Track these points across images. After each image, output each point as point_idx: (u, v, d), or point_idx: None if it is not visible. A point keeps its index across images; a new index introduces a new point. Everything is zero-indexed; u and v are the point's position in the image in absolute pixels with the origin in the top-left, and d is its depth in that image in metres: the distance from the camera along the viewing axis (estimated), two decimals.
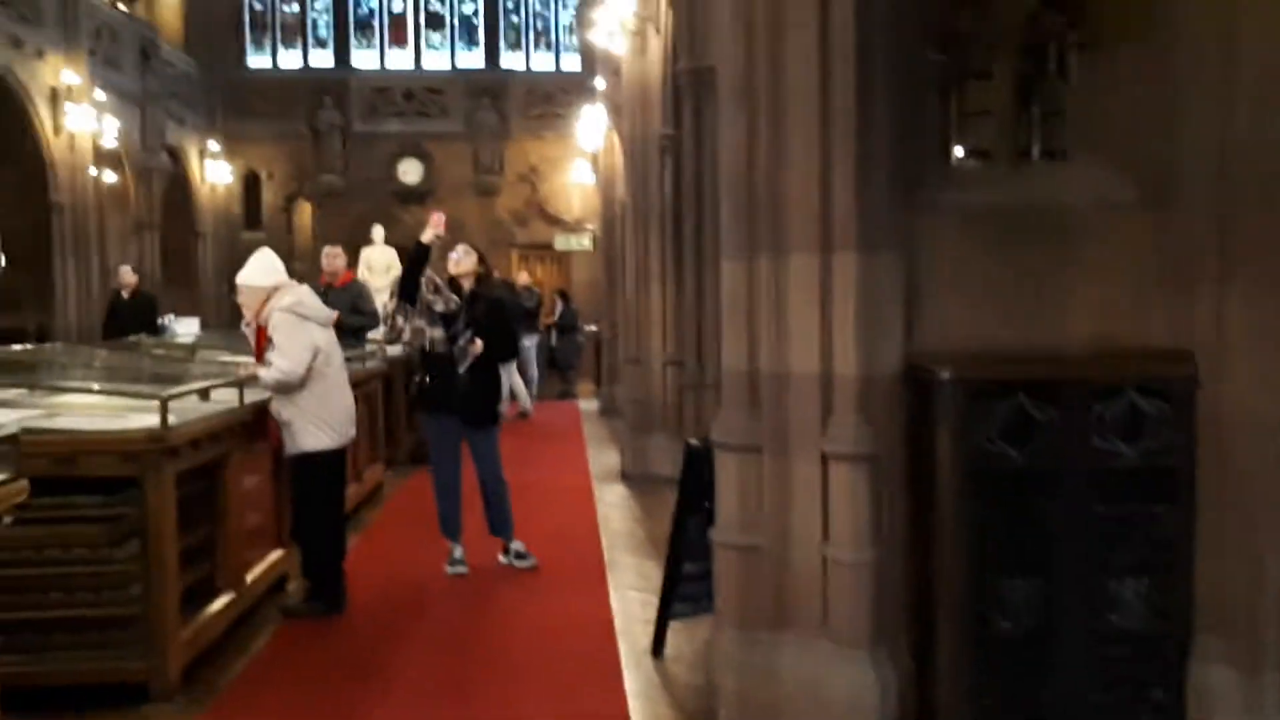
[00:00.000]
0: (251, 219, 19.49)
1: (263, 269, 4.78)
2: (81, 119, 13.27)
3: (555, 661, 4.27)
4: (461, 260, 5.60)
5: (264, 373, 4.68)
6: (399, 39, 20.31)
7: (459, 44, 20.47)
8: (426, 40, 20.38)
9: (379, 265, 13.49)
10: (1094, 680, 3.17)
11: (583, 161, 17.78)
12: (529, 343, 14.27)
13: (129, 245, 15.52)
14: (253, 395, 4.78)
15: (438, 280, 5.56)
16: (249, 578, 4.75)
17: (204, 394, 4.53)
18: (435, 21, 20.41)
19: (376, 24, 20.30)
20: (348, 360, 5.99)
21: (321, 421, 4.80)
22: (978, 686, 3.16)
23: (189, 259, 18.08)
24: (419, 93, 19.88)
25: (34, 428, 3.76)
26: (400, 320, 6.48)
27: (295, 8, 20.06)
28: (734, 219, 3.48)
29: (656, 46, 8.19)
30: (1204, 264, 3.30)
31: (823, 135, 3.25)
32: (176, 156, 17.39)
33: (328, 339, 4.88)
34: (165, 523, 3.81)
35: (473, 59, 20.41)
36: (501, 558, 5.70)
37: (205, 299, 17.86)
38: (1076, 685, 3.17)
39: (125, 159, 15.25)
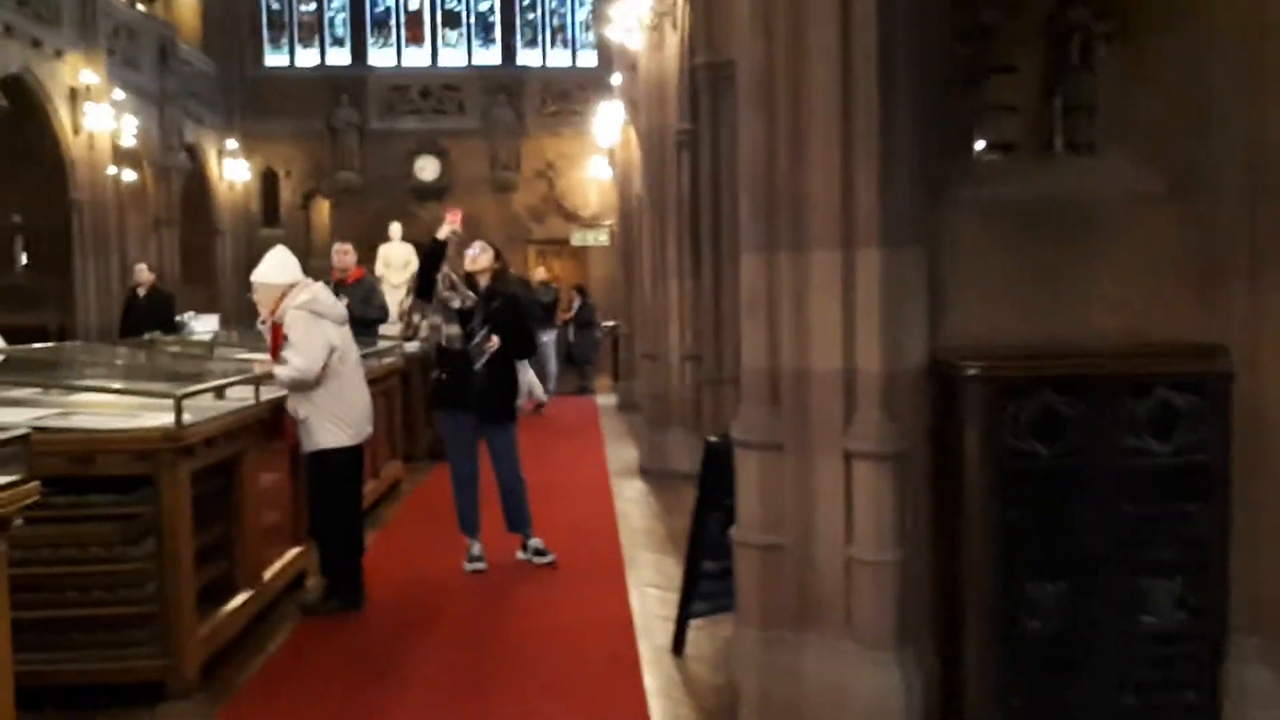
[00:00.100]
0: (270, 216, 19.56)
1: (277, 267, 4.75)
2: (100, 118, 13.33)
3: (574, 659, 4.24)
4: (478, 257, 5.57)
5: (279, 370, 4.66)
6: (415, 37, 20.32)
7: (475, 41, 20.46)
8: (443, 38, 20.38)
9: (397, 262, 13.49)
10: (1125, 681, 3.10)
11: (599, 157, 17.74)
12: (547, 338, 14.26)
13: (148, 243, 15.59)
14: (269, 393, 4.76)
15: (454, 277, 5.53)
16: (267, 575, 4.73)
17: (219, 392, 4.51)
18: (451, 19, 20.41)
19: (393, 22, 20.31)
20: (364, 357, 5.98)
21: (338, 419, 4.77)
22: (1006, 688, 3.09)
23: (208, 257, 18.16)
24: (435, 90, 19.89)
25: (49, 426, 3.75)
26: (417, 317, 6.47)
27: (312, 6, 20.11)
28: (753, 215, 3.42)
29: (673, 42, 8.13)
30: (1235, 258, 3.22)
31: (844, 130, 3.18)
32: (195, 155, 17.47)
33: (343, 336, 4.86)
34: (180, 521, 3.80)
35: (489, 56, 20.40)
36: (520, 554, 5.67)
37: (224, 296, 17.93)
38: (1107, 687, 3.10)
39: (144, 158, 15.32)
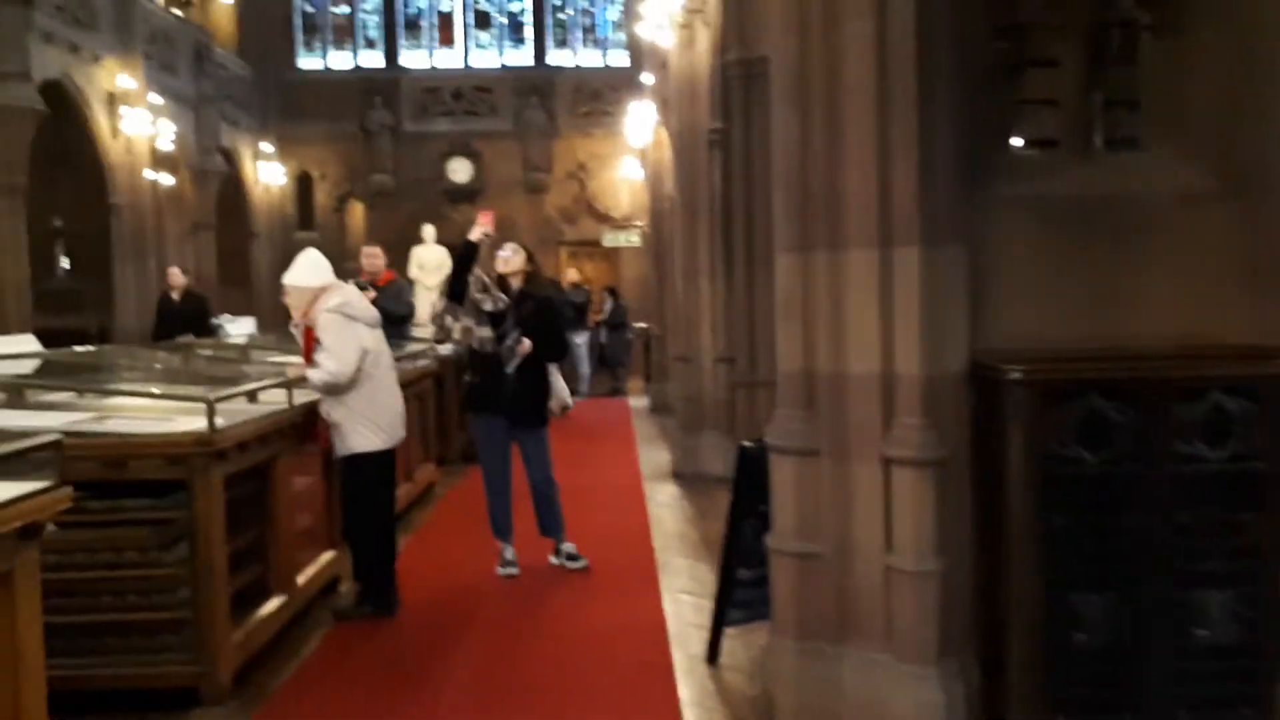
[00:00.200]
0: (305, 219, 19.72)
1: (309, 269, 4.74)
2: (138, 122, 13.50)
3: (607, 668, 4.18)
4: (510, 259, 5.53)
5: (312, 374, 4.65)
6: (447, 38, 20.39)
7: (507, 42, 20.50)
8: (475, 39, 20.44)
9: (430, 264, 13.55)
10: (1177, 698, 3.00)
11: (631, 158, 17.70)
12: (579, 340, 14.25)
13: (185, 246, 15.77)
14: (302, 396, 4.75)
15: (486, 279, 5.50)
16: (300, 580, 4.73)
17: (252, 396, 4.51)
18: (483, 20, 20.46)
19: (425, 24, 20.40)
20: (397, 360, 5.97)
21: (370, 422, 4.76)
22: (1051, 703, 3.00)
23: (244, 259, 18.34)
24: (468, 92, 19.96)
25: (83, 431, 3.76)
26: (449, 319, 6.45)
27: (345, 9, 20.25)
28: (788, 214, 3.35)
29: (705, 39, 8.05)
30: None
31: (881, 127, 3.11)
32: (230, 158, 17.65)
33: (376, 339, 4.84)
34: (214, 526, 3.79)
35: (521, 57, 20.43)
36: (553, 559, 5.63)
37: (260, 299, 18.10)
38: (1159, 703, 2.99)
39: (181, 161, 15.49)
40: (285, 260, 4.91)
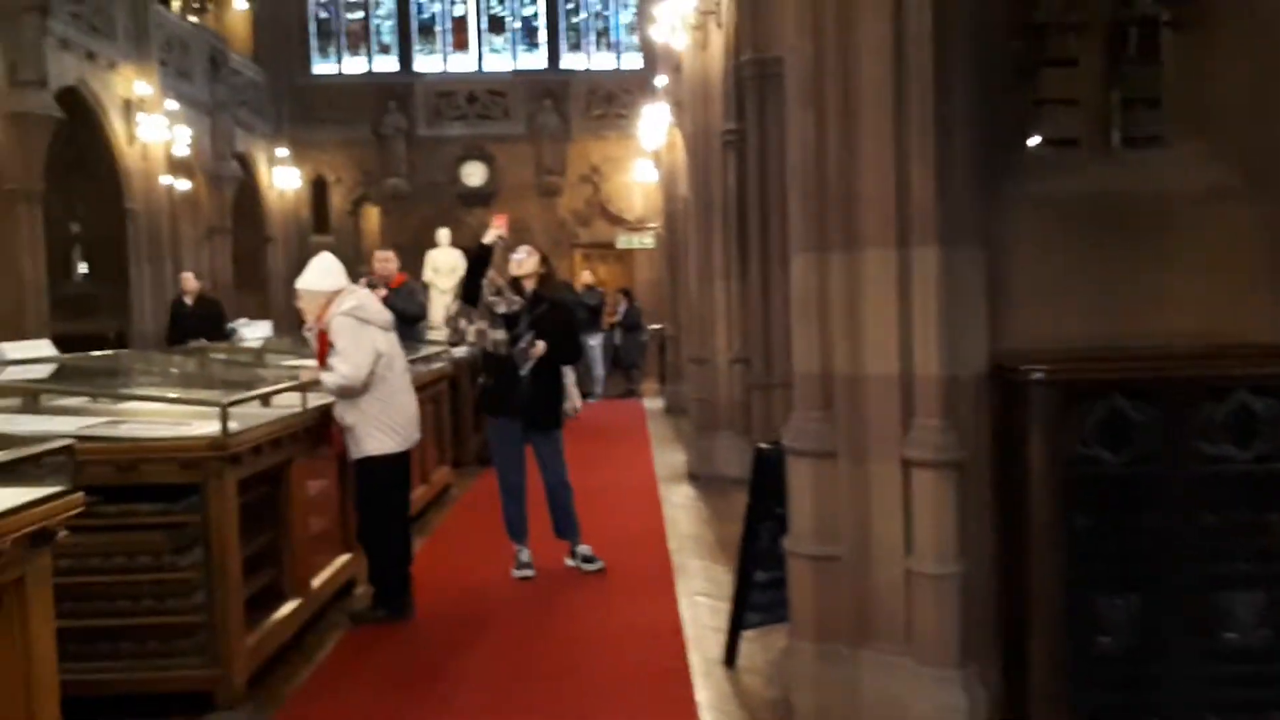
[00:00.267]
0: (320, 223, 19.79)
1: (322, 273, 4.73)
2: (153, 128, 13.57)
3: (624, 670, 4.15)
4: (524, 261, 5.51)
5: (326, 377, 4.63)
6: (461, 42, 20.43)
7: (520, 46, 20.52)
8: (488, 43, 20.47)
9: (445, 267, 13.58)
10: (1204, 702, 2.94)
11: (645, 160, 17.68)
12: (593, 342, 14.24)
13: (201, 251, 15.85)
14: (316, 400, 4.75)
15: (500, 282, 5.48)
16: (315, 583, 4.72)
17: (266, 400, 4.50)
18: (496, 24, 20.49)
19: (439, 28, 20.44)
20: (412, 363, 5.96)
21: (385, 425, 4.74)
22: (1074, 708, 2.94)
23: (259, 263, 18.42)
24: (481, 95, 19.98)
25: (96, 435, 3.75)
26: (463, 322, 6.43)
27: (359, 14, 20.31)
28: (804, 214, 3.32)
29: (718, 40, 8.02)
30: None
31: (897, 124, 3.07)
32: (246, 163, 17.72)
33: (389, 342, 4.82)
34: (227, 530, 3.78)
35: (534, 60, 20.44)
36: (568, 561, 5.60)
37: (276, 303, 18.17)
38: (1184, 707, 2.94)
39: (196, 167, 15.57)
40: (300, 264, 4.90)
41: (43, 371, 5.18)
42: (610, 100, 19.82)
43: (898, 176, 3.04)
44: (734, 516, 6.00)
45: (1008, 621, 3.10)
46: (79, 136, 12.65)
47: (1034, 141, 3.39)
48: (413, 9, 20.25)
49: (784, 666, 3.49)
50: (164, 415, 4.22)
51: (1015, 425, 3.02)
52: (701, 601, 4.95)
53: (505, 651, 4.44)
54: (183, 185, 14.95)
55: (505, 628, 4.76)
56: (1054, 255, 3.23)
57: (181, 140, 14.41)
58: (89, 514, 3.52)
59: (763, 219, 7.28)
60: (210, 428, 3.82)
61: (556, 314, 5.53)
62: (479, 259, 5.47)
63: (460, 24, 20.40)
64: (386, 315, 4.89)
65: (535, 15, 20.43)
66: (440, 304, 12.64)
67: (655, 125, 14.59)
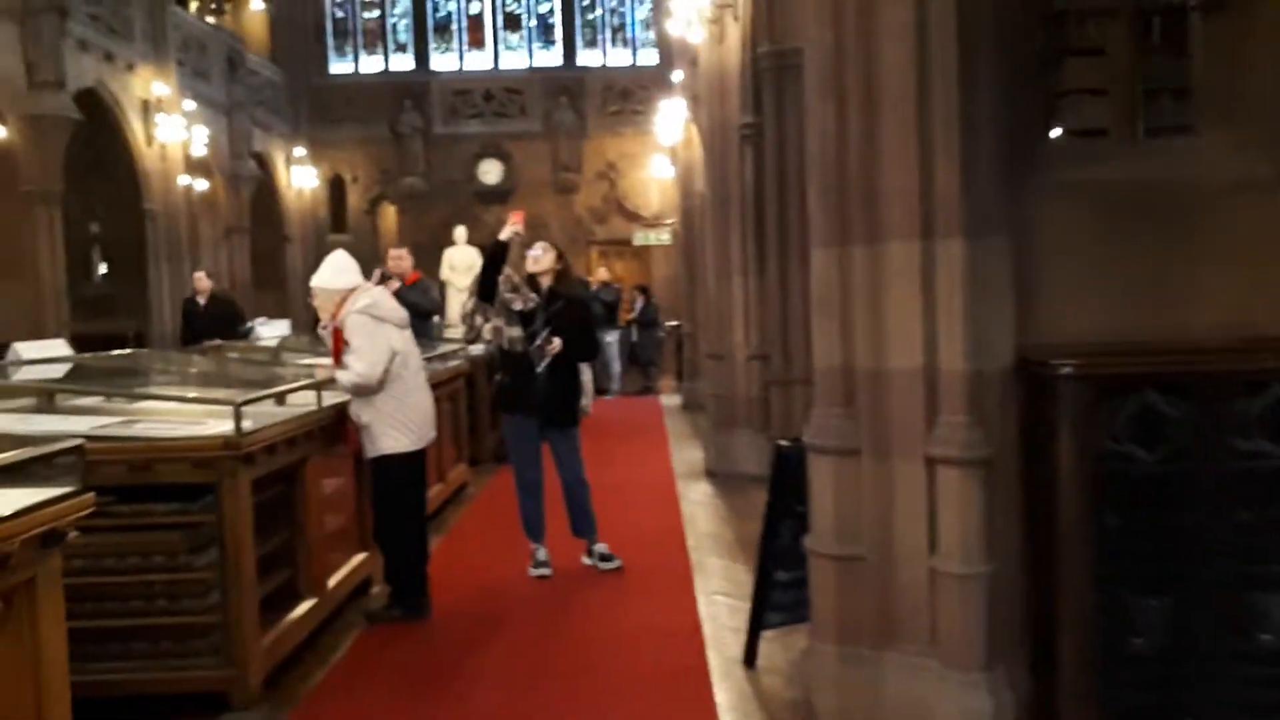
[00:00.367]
0: (338, 222, 19.84)
1: (337, 271, 4.70)
2: (171, 129, 13.62)
3: (642, 670, 4.10)
4: (540, 258, 5.46)
5: (341, 375, 4.60)
6: (477, 40, 20.42)
7: (536, 43, 20.49)
8: (504, 41, 20.45)
9: (462, 265, 13.57)
10: (1237, 704, 2.86)
11: (661, 156, 17.62)
12: (610, 338, 14.20)
13: (219, 250, 15.91)
14: (331, 398, 4.71)
15: (516, 278, 5.43)
16: (331, 583, 4.68)
17: (281, 398, 4.47)
18: (512, 22, 20.47)
19: (455, 26, 20.44)
20: (428, 361, 5.92)
21: (400, 423, 4.70)
22: (1105, 712, 2.87)
23: (278, 263, 18.48)
24: (498, 93, 19.97)
25: (110, 435, 3.73)
26: (479, 319, 6.39)
27: (376, 13, 20.34)
28: (824, 206, 3.25)
29: (735, 33, 7.95)
30: None
31: (920, 113, 2.99)
32: (263, 163, 17.78)
33: (405, 340, 4.79)
34: (242, 530, 3.75)
35: (550, 57, 20.41)
36: (585, 560, 5.56)
37: (294, 302, 18.22)
38: (1218, 710, 2.85)
39: (214, 167, 15.62)
40: (318, 263, 4.87)
41: (58, 371, 5.17)
42: (626, 97, 19.77)
43: (921, 167, 2.97)
44: (753, 514, 5.93)
45: (1036, 621, 3.03)
46: (97, 138, 12.71)
47: (1059, 131, 3.30)
48: (429, 8, 20.26)
49: (805, 668, 3.42)
50: (178, 414, 4.19)
51: (1043, 421, 2.94)
52: (720, 600, 4.89)
53: (522, 651, 4.40)
54: (201, 185, 15.01)
55: (522, 627, 4.72)
56: (1081, 247, 3.14)
57: (199, 140, 14.47)
58: (103, 514, 3.51)
59: (781, 213, 7.21)
60: (224, 427, 3.79)
61: (573, 310, 5.48)
62: (495, 255, 5.43)
63: (476, 22, 20.39)
64: (402, 313, 4.85)
65: (551, 12, 20.39)
66: (457, 302, 12.62)
67: (672, 121, 14.53)
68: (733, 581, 5.16)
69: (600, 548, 5.54)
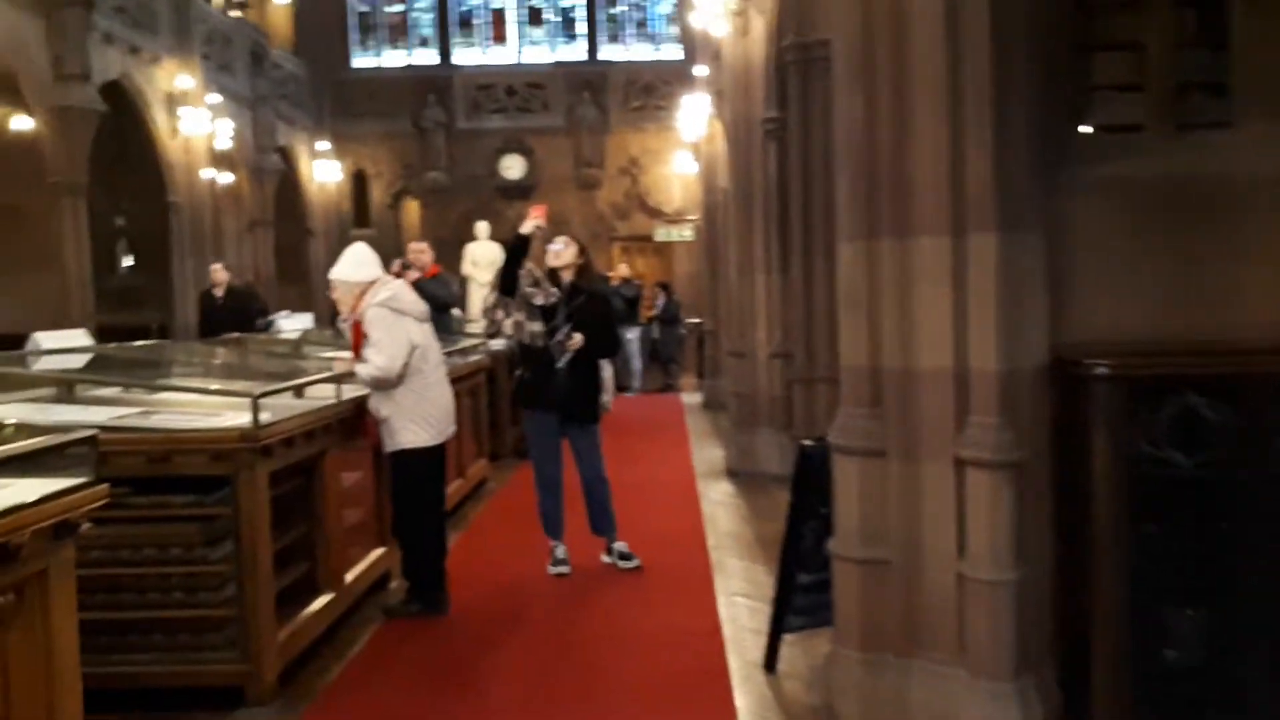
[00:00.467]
0: (360, 216, 19.89)
1: (356, 263, 4.66)
2: (196, 122, 13.67)
3: (660, 673, 4.03)
4: (562, 252, 5.41)
5: (360, 369, 4.56)
6: (500, 35, 20.40)
7: (559, 38, 20.45)
8: (527, 36, 20.42)
9: (484, 260, 13.53)
10: None
11: (684, 152, 17.53)
12: (631, 335, 14.14)
13: (243, 243, 15.97)
14: (351, 391, 4.68)
15: (537, 273, 5.38)
16: (349, 577, 4.65)
17: (300, 391, 4.43)
18: (535, 17, 20.44)
19: (478, 21, 20.43)
20: (449, 355, 5.88)
21: (420, 418, 4.66)
22: None
23: (301, 256, 18.54)
24: (520, 88, 19.96)
25: (128, 426, 3.70)
26: (500, 314, 6.34)
27: (399, 8, 20.36)
28: (852, 199, 3.16)
29: (759, 27, 7.85)
30: None
31: (953, 105, 2.90)
32: (287, 156, 17.83)
33: (425, 334, 4.74)
34: (259, 523, 3.71)
35: (573, 52, 20.37)
36: (604, 558, 5.50)
37: (317, 295, 18.28)
38: None
39: (238, 160, 15.68)
40: None
41: (77, 361, 5.16)
42: (649, 92, 19.70)
43: (952, 158, 2.88)
44: (774, 514, 5.86)
45: (1068, 632, 2.94)
46: (123, 130, 12.78)
47: (1094, 123, 3.21)
48: (452, 2, 20.26)
49: (827, 674, 3.35)
50: (197, 406, 4.17)
51: (1077, 423, 2.85)
52: (741, 602, 4.81)
53: (539, 649, 4.35)
54: (225, 178, 15.07)
55: (540, 624, 4.67)
56: (1117, 243, 3.05)
57: (223, 134, 14.51)
58: (120, 505, 3.49)
59: (805, 209, 7.11)
60: (242, 419, 3.75)
61: (594, 306, 5.42)
62: (517, 249, 5.37)
63: (499, 17, 20.39)
64: (422, 306, 4.81)
65: (573, 7, 20.34)
66: (479, 297, 12.60)
67: (694, 116, 14.43)
68: (753, 583, 5.09)
69: (620, 546, 5.49)
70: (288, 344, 7.35)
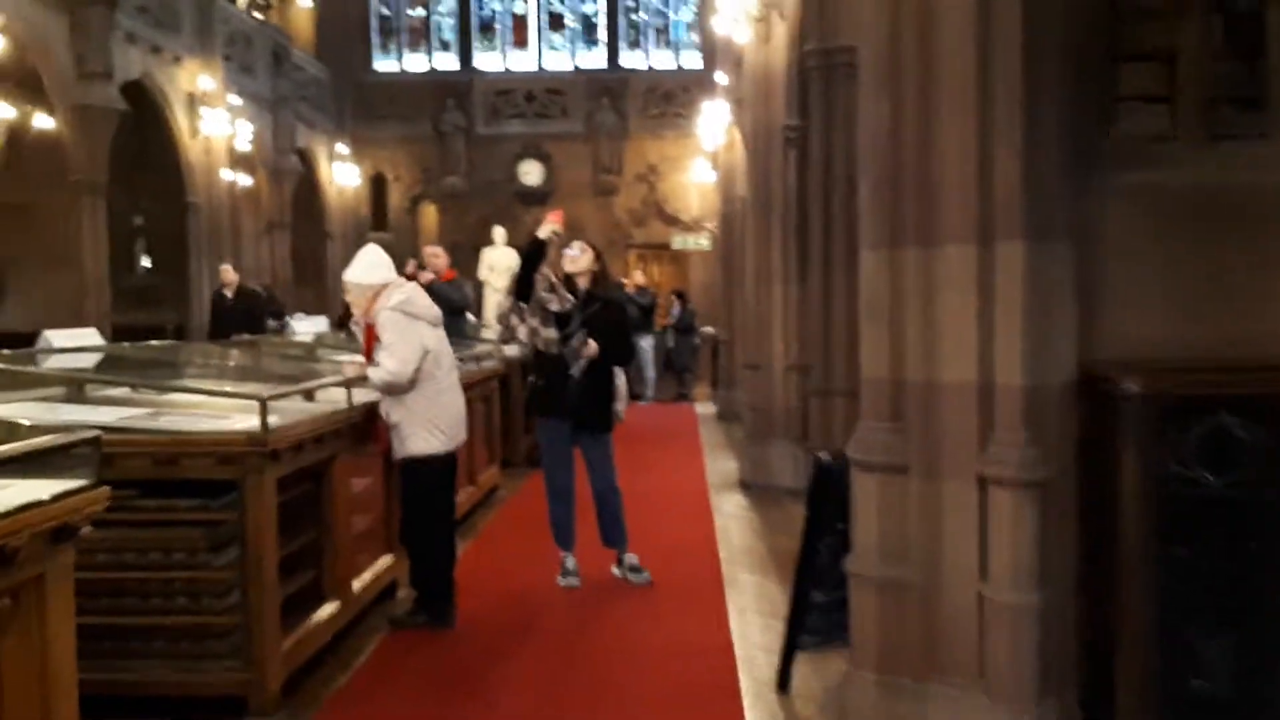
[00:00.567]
0: (378, 220, 19.92)
1: (370, 266, 4.61)
2: (216, 123, 13.72)
3: (669, 689, 3.95)
4: (578, 258, 5.34)
5: (372, 373, 4.51)
6: (520, 40, 20.43)
7: (579, 44, 20.45)
8: (548, 41, 20.44)
9: (500, 266, 13.49)
10: None
11: (702, 160, 17.48)
12: (645, 343, 14.07)
13: (261, 245, 16.00)
14: (362, 396, 4.62)
15: (553, 278, 5.32)
16: (356, 585, 4.59)
17: (309, 395, 4.38)
18: (556, 22, 20.46)
19: (499, 26, 20.46)
20: (462, 361, 5.82)
21: (431, 424, 4.60)
22: None
23: (318, 259, 18.59)
24: (540, 94, 19.97)
25: (135, 427, 3.66)
26: (514, 320, 6.28)
27: (421, 12, 20.41)
28: (875, 207, 3.08)
29: (781, 32, 7.79)
30: None
31: (981, 108, 2.82)
32: (306, 159, 17.88)
33: (438, 339, 4.68)
34: (265, 529, 3.65)
35: (593, 59, 20.37)
36: (615, 570, 5.42)
37: (333, 298, 18.30)
38: None
39: (258, 161, 15.72)
40: None
41: (88, 360, 5.14)
42: (669, 99, 19.68)
43: (980, 163, 2.80)
44: (788, 529, 5.77)
45: (1091, 655, 2.84)
46: (143, 130, 12.83)
47: (1136, 127, 3.12)
48: (473, 6, 20.31)
49: (842, 696, 3.25)
50: (206, 408, 4.12)
51: (1105, 441, 2.76)
52: (753, 619, 4.72)
53: (547, 662, 4.28)
54: (244, 180, 15.11)
55: (548, 637, 4.60)
56: (1150, 254, 2.96)
57: (243, 135, 14.56)
58: (126, 508, 3.45)
59: (825, 219, 7.02)
60: (251, 422, 3.70)
61: (609, 313, 5.36)
62: (533, 254, 5.32)
63: (520, 22, 20.41)
64: (435, 311, 4.75)
65: (595, 13, 20.35)
66: (494, 302, 12.57)
67: (713, 124, 14.38)
68: (766, 598, 5.00)
69: (630, 559, 5.41)
70: (301, 346, 7.32)
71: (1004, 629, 2.77)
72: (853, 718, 3.09)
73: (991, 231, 2.79)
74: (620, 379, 5.57)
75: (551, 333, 5.27)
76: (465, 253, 14.63)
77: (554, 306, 5.27)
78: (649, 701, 3.83)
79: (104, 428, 3.19)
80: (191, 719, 3.60)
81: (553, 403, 5.29)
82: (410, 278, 6.22)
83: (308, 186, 18.05)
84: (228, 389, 4.40)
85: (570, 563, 5.36)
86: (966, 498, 2.83)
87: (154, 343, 6.94)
